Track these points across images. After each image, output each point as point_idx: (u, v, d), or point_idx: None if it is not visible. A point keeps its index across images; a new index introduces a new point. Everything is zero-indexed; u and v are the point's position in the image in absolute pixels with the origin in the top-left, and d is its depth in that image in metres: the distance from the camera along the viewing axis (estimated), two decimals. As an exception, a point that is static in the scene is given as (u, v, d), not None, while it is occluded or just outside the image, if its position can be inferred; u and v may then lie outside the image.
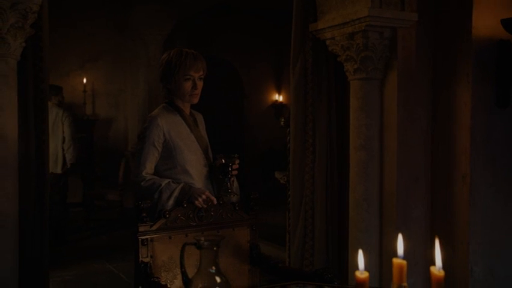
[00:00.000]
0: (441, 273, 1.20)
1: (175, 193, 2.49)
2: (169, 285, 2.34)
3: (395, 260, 1.18)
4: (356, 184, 3.51)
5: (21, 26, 2.55)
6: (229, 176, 2.62)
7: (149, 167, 2.60)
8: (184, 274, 1.50)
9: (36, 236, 2.90)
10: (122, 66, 8.41)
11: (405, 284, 1.18)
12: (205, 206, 2.45)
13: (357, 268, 3.51)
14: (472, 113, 3.25)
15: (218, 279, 1.44)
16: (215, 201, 2.49)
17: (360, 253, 1.18)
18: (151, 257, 2.31)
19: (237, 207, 2.60)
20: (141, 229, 2.29)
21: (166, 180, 2.54)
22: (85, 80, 8.08)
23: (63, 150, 6.05)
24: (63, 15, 7.85)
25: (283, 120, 4.24)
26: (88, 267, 5.27)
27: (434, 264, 1.24)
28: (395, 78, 3.40)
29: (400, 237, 1.22)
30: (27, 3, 2.52)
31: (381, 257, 3.49)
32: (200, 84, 2.69)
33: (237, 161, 2.63)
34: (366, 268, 1.26)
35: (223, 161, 2.61)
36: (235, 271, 2.59)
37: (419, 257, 3.47)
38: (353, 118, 3.51)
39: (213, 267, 1.44)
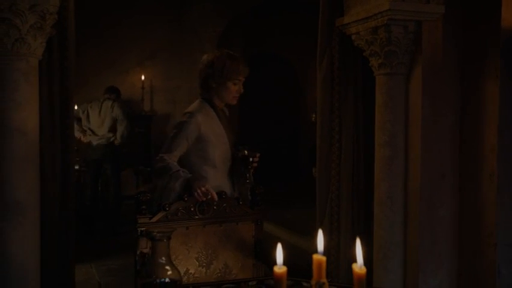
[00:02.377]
0: (363, 270, 1.17)
1: (177, 184, 2.60)
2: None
3: (315, 256, 1.17)
4: (380, 181, 3.44)
5: (40, 27, 2.69)
6: (249, 167, 2.80)
7: (174, 155, 2.76)
8: (137, 263, 1.55)
9: (60, 228, 3.05)
10: (179, 63, 8.61)
11: (324, 280, 1.17)
12: (204, 199, 2.49)
13: (382, 268, 3.44)
14: (500, 109, 3.11)
15: (168, 268, 1.48)
16: (215, 197, 2.52)
17: (279, 247, 1.19)
18: (150, 248, 2.38)
19: (240, 202, 2.63)
20: (140, 221, 2.37)
21: (176, 169, 2.67)
22: (143, 77, 8.35)
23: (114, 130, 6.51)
24: (123, 16, 8.17)
25: (314, 116, 4.23)
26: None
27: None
28: (420, 73, 3.30)
29: (320, 233, 1.21)
30: (45, 5, 2.66)
31: (405, 256, 3.41)
32: (242, 88, 2.90)
33: (258, 155, 2.81)
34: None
35: (246, 152, 2.80)
36: (238, 265, 2.62)
37: (445, 258, 3.37)
38: (378, 114, 3.45)
39: (163, 258, 1.49)
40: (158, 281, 1.46)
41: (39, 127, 2.93)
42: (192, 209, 2.50)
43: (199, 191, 2.48)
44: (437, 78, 3.31)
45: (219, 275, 2.55)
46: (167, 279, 1.46)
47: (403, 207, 3.40)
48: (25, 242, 2.75)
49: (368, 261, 3.52)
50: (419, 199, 3.32)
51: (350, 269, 3.30)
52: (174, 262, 2.42)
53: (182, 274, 2.44)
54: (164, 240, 1.47)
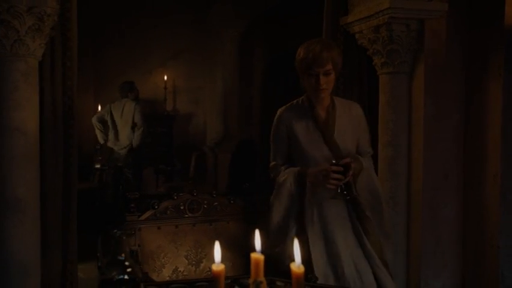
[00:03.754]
0: (301, 269, 1.17)
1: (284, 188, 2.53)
2: (157, 273, 2.44)
3: (253, 255, 1.18)
4: (383, 181, 3.39)
5: (38, 28, 2.76)
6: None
7: (278, 159, 2.66)
8: (99, 259, 1.58)
9: (62, 226, 3.11)
10: (202, 63, 8.67)
11: (261, 279, 1.17)
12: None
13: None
14: (503, 108, 3.04)
15: (127, 265, 1.51)
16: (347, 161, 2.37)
17: (217, 244, 1.19)
18: (139, 245, 2.41)
19: (232, 201, 2.64)
20: (128, 219, 2.40)
21: (283, 177, 2.57)
22: (165, 77, 8.43)
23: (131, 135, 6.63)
24: (146, 17, 8.27)
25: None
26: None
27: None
28: (423, 71, 3.26)
29: (257, 232, 1.21)
30: (42, 7, 2.72)
31: (408, 257, 3.37)
32: (326, 80, 2.49)
33: (351, 172, 2.42)
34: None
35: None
36: (230, 264, 2.63)
37: (449, 259, 3.31)
38: (381, 113, 3.42)
39: (123, 255, 1.51)
40: (117, 278, 1.48)
41: (42, 127, 3.00)
42: (182, 208, 2.52)
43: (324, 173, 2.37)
44: (440, 77, 3.26)
45: (209, 273, 2.56)
46: (126, 276, 1.48)
47: (406, 207, 3.36)
48: (25, 239, 2.82)
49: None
50: (421, 199, 3.27)
51: (353, 272, 3.28)
52: (163, 260, 2.48)
53: (171, 272, 2.49)
54: (124, 237, 1.50)
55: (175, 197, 2.52)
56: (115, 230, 1.51)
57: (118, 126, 6.59)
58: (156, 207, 2.47)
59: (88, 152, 7.70)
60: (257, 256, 1.17)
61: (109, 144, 6.69)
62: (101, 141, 6.82)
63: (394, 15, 3.15)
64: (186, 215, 2.54)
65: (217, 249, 1.19)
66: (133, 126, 6.62)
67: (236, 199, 2.70)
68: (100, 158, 7.17)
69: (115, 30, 8.30)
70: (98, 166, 7.18)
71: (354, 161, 2.48)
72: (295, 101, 2.69)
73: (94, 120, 6.82)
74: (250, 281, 1.18)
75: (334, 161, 2.38)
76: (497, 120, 3.07)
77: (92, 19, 8.10)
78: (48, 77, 3.05)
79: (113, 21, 8.25)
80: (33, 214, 2.86)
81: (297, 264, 1.17)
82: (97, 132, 6.85)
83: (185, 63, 8.73)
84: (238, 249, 2.64)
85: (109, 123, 6.66)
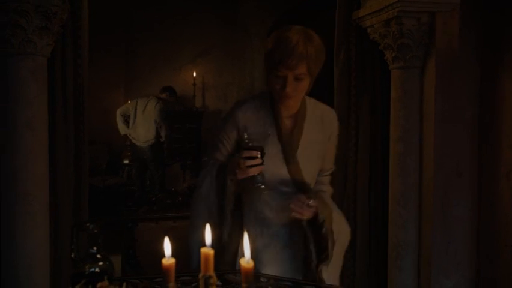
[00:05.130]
0: (250, 264, 1.16)
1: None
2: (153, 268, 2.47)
3: (202, 249, 1.18)
4: (393, 178, 3.35)
5: (45, 27, 2.81)
6: None
7: (215, 157, 2.21)
8: (73, 251, 1.60)
9: (73, 218, 3.18)
10: (230, 60, 8.72)
11: (211, 273, 1.17)
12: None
13: (395, 267, 3.37)
14: (517, 103, 2.95)
15: (99, 258, 1.53)
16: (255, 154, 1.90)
17: (166, 240, 1.20)
18: (136, 240, 2.45)
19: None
20: (124, 214, 2.44)
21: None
22: (194, 74, 8.51)
23: (157, 132, 6.76)
24: (176, 13, 8.35)
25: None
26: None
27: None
28: (434, 66, 3.18)
29: (207, 227, 1.21)
30: (48, 6, 2.77)
31: (419, 256, 3.30)
32: (295, 86, 1.96)
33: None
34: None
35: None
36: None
37: (461, 257, 3.23)
38: (392, 109, 3.36)
39: (95, 248, 1.54)
40: (88, 270, 1.50)
41: (53, 123, 3.07)
42: (179, 204, 2.54)
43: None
44: (452, 71, 3.18)
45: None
46: (97, 269, 1.51)
47: (417, 205, 3.30)
48: (34, 233, 2.88)
49: (383, 260, 3.45)
50: (433, 197, 3.20)
51: (367, 267, 3.25)
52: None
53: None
54: (95, 231, 1.52)
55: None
56: (88, 224, 1.53)
57: (138, 121, 6.73)
58: (153, 200, 2.49)
59: (119, 148, 7.86)
60: (207, 251, 1.17)
61: (130, 136, 6.89)
62: (122, 133, 7.01)
63: (404, 8, 3.08)
64: (183, 213, 2.55)
65: (167, 244, 1.20)
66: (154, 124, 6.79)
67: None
68: (128, 153, 7.33)
69: (145, 27, 8.41)
70: (126, 162, 7.34)
71: (321, 205, 2.07)
72: (257, 97, 2.18)
73: (118, 112, 6.99)
74: (200, 275, 1.18)
75: (247, 140, 1.93)
76: (510, 115, 2.97)
77: (124, 17, 8.24)
78: (60, 75, 3.12)
79: (143, 18, 8.36)
80: (42, 208, 2.92)
81: (246, 259, 1.17)
82: (118, 123, 7.02)
83: (214, 60, 8.79)
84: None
85: (132, 117, 6.80)
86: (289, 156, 2.06)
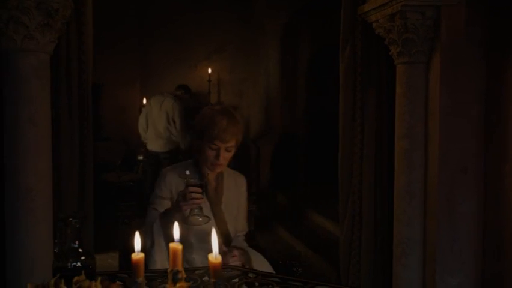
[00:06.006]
0: (218, 259, 1.16)
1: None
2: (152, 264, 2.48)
3: (171, 244, 1.18)
4: (398, 175, 3.31)
5: (47, 23, 2.84)
6: None
7: (158, 207, 2.55)
8: (56, 245, 1.62)
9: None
10: (245, 56, 8.72)
11: (180, 268, 1.17)
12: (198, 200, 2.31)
13: (400, 264, 3.33)
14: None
15: (80, 252, 1.54)
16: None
17: (137, 235, 1.20)
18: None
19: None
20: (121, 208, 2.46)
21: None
22: (209, 70, 8.53)
23: (169, 132, 6.76)
24: (191, 10, 8.37)
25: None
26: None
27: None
28: (439, 60, 3.13)
29: (176, 224, 1.21)
30: (49, 3, 2.79)
31: (424, 253, 3.26)
32: (226, 156, 2.44)
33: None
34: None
35: None
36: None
37: (467, 256, 3.18)
38: (397, 105, 3.32)
39: (76, 242, 1.55)
40: (70, 265, 1.51)
41: (58, 119, 3.11)
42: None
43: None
44: (458, 66, 3.12)
45: (205, 264, 2.56)
46: (78, 264, 1.52)
47: (422, 201, 3.25)
48: (36, 228, 2.91)
49: (389, 257, 3.42)
50: (438, 194, 3.16)
51: (373, 264, 3.22)
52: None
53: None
54: (77, 225, 1.53)
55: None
56: (71, 219, 1.54)
57: (155, 118, 6.76)
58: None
59: (134, 144, 7.93)
60: (175, 246, 1.17)
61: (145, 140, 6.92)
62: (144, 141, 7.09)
63: (408, 2, 3.04)
64: (182, 206, 2.55)
65: (137, 239, 1.20)
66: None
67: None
68: (143, 149, 7.38)
69: (160, 24, 8.45)
70: (141, 158, 7.40)
71: (241, 252, 2.38)
72: (183, 164, 2.59)
73: (140, 118, 7.06)
74: (169, 270, 1.18)
75: (188, 174, 2.32)
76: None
77: (139, 14, 8.29)
78: (64, 71, 3.15)
79: (158, 16, 8.40)
80: (44, 203, 2.94)
81: (214, 255, 1.17)
82: (140, 130, 7.09)
83: (230, 56, 8.80)
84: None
85: (149, 114, 6.84)
86: (215, 209, 2.46)
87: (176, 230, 1.19)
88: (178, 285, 1.16)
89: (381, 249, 3.53)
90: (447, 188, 3.15)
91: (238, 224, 2.59)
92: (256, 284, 1.73)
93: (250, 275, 1.86)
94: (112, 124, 8.19)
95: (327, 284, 1.76)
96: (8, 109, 2.86)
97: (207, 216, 2.32)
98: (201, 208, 2.30)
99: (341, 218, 3.70)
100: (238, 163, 7.84)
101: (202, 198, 2.27)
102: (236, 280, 1.75)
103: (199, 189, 2.26)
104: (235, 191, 2.58)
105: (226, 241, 2.49)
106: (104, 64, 7.83)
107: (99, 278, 1.31)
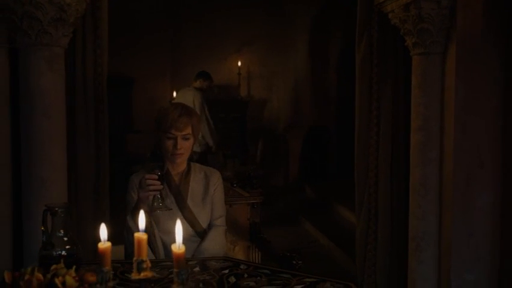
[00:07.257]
0: (182, 249, 1.17)
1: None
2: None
3: (136, 234, 1.19)
4: (414, 167, 3.26)
5: (60, 18, 2.89)
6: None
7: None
8: (43, 233, 1.65)
9: (93, 206, 3.27)
10: (275, 49, 8.68)
11: (144, 257, 1.18)
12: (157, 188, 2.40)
13: (415, 259, 3.29)
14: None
15: (66, 241, 1.58)
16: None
17: (102, 225, 1.22)
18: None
19: (234, 185, 2.65)
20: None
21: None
22: (239, 63, 8.54)
23: None
24: (221, 2, 8.38)
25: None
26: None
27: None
28: (455, 51, 3.05)
29: (141, 213, 1.22)
30: (62, -2, 2.86)
31: (439, 248, 3.20)
32: (184, 144, 2.53)
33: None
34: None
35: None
36: (232, 247, 2.65)
37: (483, 251, 3.11)
38: (413, 97, 3.26)
39: (61, 231, 1.58)
40: (55, 253, 1.55)
41: (73, 113, 3.18)
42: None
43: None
44: (474, 57, 3.04)
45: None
46: (63, 252, 1.55)
47: (438, 195, 3.19)
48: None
49: (405, 251, 3.37)
50: (454, 188, 3.09)
51: (389, 258, 3.19)
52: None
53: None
54: (62, 215, 1.56)
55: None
56: (56, 208, 1.58)
57: None
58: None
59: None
60: (140, 236, 1.18)
61: None
62: None
63: (422, -8, 2.98)
64: (187, 198, 2.58)
65: (103, 229, 1.22)
66: None
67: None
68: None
69: (191, 17, 8.48)
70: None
71: None
72: (147, 167, 2.59)
73: None
74: (134, 260, 1.20)
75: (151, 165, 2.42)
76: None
77: (170, 7, 8.35)
78: (80, 65, 3.21)
79: (189, 9, 8.44)
80: (60, 193, 3.02)
81: (177, 245, 1.17)
82: None
83: (260, 49, 8.78)
84: (241, 232, 2.65)
85: None
86: (180, 203, 2.57)
87: (141, 220, 1.21)
88: (142, 274, 1.17)
89: (397, 243, 3.49)
90: (463, 181, 3.08)
91: (214, 212, 2.63)
92: (245, 275, 1.73)
93: (242, 266, 1.86)
94: (143, 117, 8.29)
95: (316, 277, 1.75)
96: (23, 102, 2.93)
97: (167, 207, 2.46)
98: (161, 198, 2.43)
99: (357, 211, 3.67)
100: (267, 157, 7.88)
101: (159, 185, 2.37)
102: (226, 271, 1.76)
103: (155, 176, 2.37)
104: (204, 183, 2.65)
105: (196, 230, 2.58)
106: (136, 58, 7.95)
107: (74, 267, 1.34)
